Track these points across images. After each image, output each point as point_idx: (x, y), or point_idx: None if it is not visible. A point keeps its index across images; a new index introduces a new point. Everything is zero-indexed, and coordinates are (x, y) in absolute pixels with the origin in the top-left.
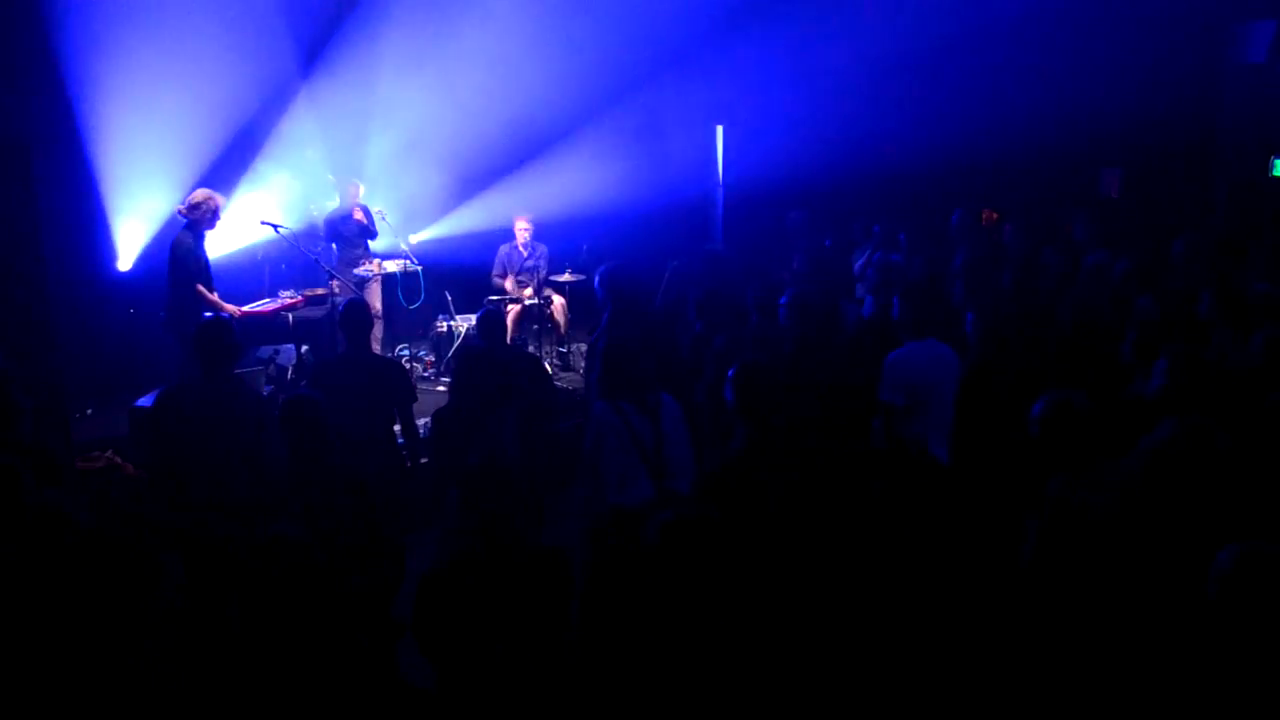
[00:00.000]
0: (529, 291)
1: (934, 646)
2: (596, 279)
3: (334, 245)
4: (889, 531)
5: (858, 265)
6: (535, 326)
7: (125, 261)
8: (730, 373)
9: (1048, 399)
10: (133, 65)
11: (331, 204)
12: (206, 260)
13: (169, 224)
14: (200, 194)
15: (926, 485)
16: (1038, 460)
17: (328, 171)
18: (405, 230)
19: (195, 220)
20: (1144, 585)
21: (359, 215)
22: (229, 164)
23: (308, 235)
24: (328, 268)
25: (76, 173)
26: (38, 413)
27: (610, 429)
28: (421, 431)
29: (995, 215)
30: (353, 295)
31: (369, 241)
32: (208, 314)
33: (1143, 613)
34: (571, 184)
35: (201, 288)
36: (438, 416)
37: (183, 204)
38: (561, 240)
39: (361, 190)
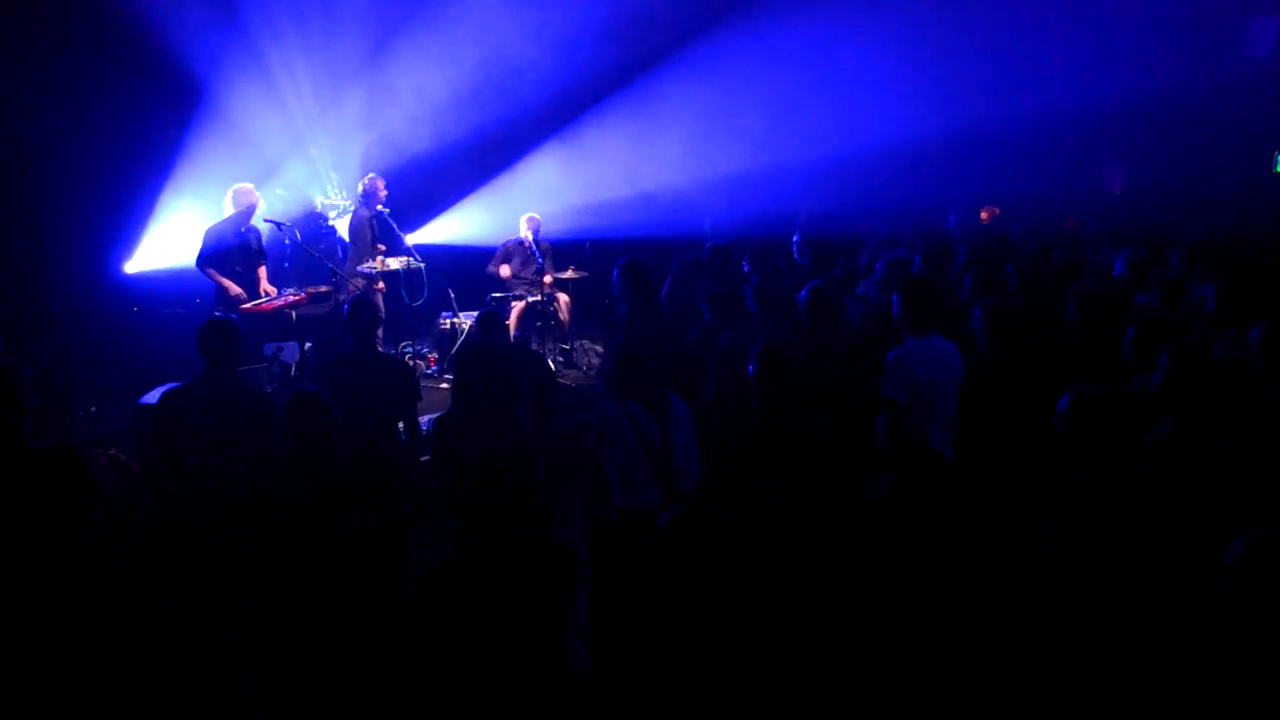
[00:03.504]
0: (549, 279)
1: (943, 640)
2: (615, 272)
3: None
4: (898, 526)
5: (862, 261)
6: (539, 324)
7: (137, 263)
8: (755, 349)
9: (1074, 394)
10: (138, 67)
11: (331, 201)
12: (236, 245)
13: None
14: (242, 186)
15: (934, 481)
16: (1060, 455)
17: (330, 169)
18: (404, 228)
19: (235, 210)
20: (1155, 579)
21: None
22: (238, 163)
23: (309, 225)
24: (332, 266)
25: (83, 173)
26: (42, 410)
27: (617, 431)
28: (424, 429)
29: (997, 210)
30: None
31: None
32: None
33: (1156, 607)
34: (570, 184)
35: (211, 270)
36: (440, 423)
37: (230, 190)
38: (565, 237)
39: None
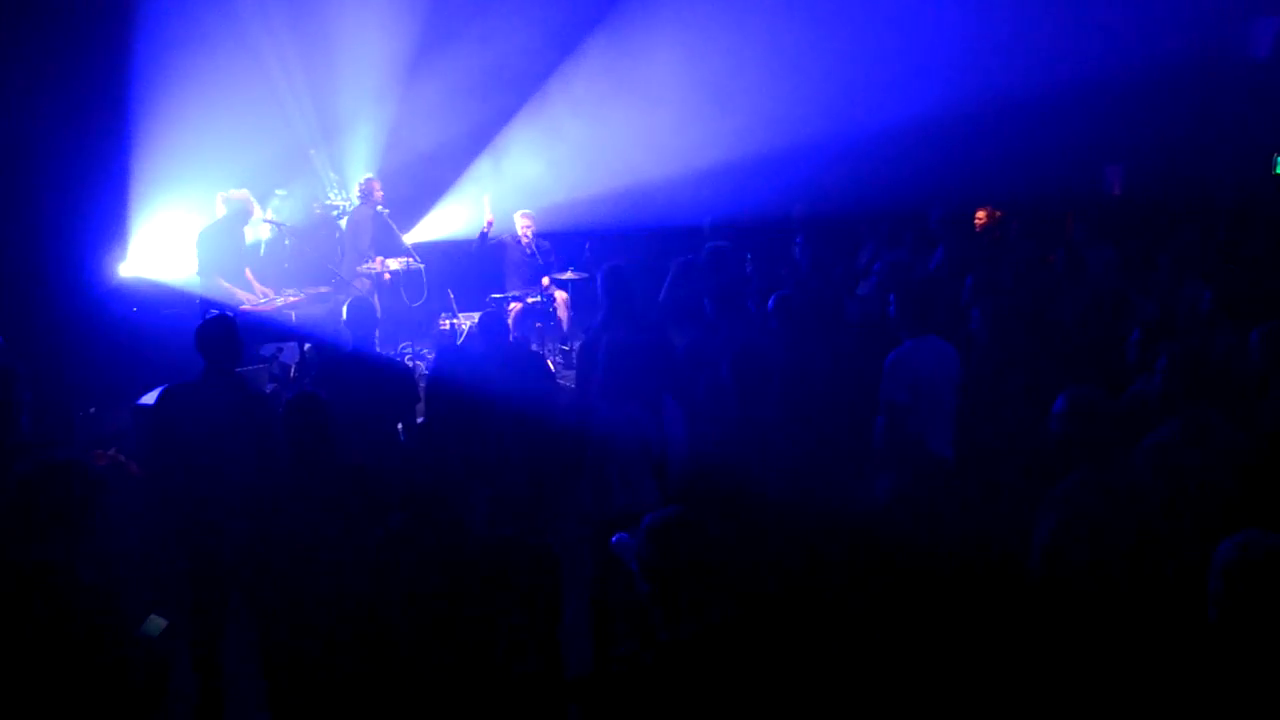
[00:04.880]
0: (545, 280)
1: (942, 642)
2: (599, 276)
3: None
4: (898, 527)
5: (862, 262)
6: (538, 324)
7: (133, 267)
8: (729, 354)
9: (1069, 395)
10: (137, 68)
11: (331, 201)
12: (233, 251)
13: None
14: (237, 192)
15: (934, 482)
16: (1056, 457)
17: (330, 169)
18: (404, 227)
19: (230, 213)
20: (1153, 581)
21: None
22: (238, 164)
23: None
24: (332, 266)
25: (83, 176)
26: (42, 411)
27: (617, 433)
28: None
29: (998, 213)
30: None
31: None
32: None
33: (1153, 609)
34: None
35: (222, 280)
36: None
37: (223, 195)
38: (564, 236)
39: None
